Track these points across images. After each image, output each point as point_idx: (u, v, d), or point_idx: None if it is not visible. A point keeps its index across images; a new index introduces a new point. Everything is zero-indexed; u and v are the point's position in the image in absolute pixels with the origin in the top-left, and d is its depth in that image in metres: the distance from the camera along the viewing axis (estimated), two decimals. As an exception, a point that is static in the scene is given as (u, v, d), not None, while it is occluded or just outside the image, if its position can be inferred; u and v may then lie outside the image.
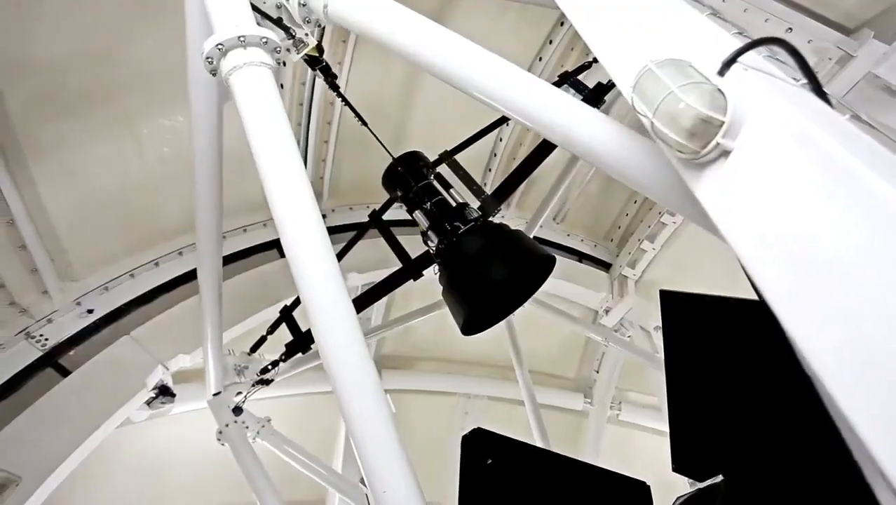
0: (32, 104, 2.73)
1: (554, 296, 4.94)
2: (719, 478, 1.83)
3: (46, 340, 3.04)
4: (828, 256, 0.61)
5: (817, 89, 0.84)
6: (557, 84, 3.06)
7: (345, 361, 1.28)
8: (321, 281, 1.34)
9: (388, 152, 2.65)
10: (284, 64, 1.51)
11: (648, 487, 2.19)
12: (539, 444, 3.85)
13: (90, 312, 3.23)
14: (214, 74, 1.58)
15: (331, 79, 2.34)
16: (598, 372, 5.49)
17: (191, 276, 3.55)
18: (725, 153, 0.81)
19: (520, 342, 4.29)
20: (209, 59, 1.54)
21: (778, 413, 1.78)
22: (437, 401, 5.27)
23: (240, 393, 3.21)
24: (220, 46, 1.50)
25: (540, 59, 4.14)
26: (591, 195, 5.13)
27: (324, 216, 4.97)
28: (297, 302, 3.03)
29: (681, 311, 2.04)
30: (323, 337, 1.30)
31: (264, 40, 1.54)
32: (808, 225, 0.64)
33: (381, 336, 4.65)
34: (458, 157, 2.80)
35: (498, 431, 2.10)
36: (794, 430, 1.72)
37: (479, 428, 2.13)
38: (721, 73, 0.86)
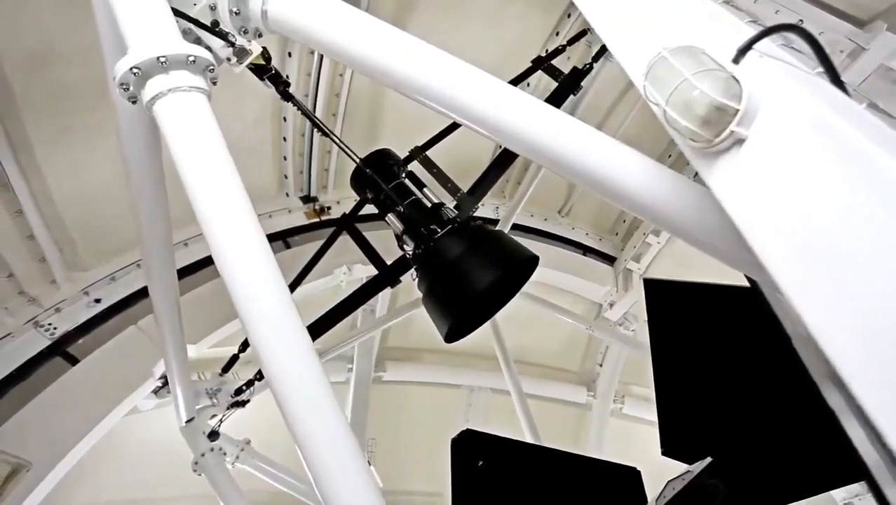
0: (40, 96, 2.73)
1: (558, 289, 4.94)
2: (707, 460, 1.85)
3: (55, 329, 3.07)
4: (845, 243, 0.60)
5: (834, 77, 0.83)
6: (531, 70, 2.93)
7: (301, 405, 1.06)
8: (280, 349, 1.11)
9: (350, 156, 2.48)
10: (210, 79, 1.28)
11: (639, 473, 2.21)
12: (528, 438, 3.85)
13: (97, 301, 3.26)
14: (135, 102, 1.25)
15: (283, 87, 2.21)
16: (601, 366, 5.50)
17: (196, 266, 3.57)
18: (739, 141, 0.80)
19: (522, 336, 4.28)
20: (124, 86, 1.21)
21: (762, 393, 1.79)
22: (441, 393, 5.30)
23: (215, 416, 3.08)
24: (135, 70, 1.18)
25: (546, 50, 4.11)
26: (596, 189, 5.10)
27: (328, 208, 4.91)
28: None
29: (665, 298, 2.05)
30: (277, 382, 1.07)
31: (192, 59, 1.22)
32: (825, 213, 0.63)
33: (386, 327, 4.66)
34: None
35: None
36: (778, 408, 1.74)
37: (468, 429, 2.13)
38: (736, 60, 0.85)
